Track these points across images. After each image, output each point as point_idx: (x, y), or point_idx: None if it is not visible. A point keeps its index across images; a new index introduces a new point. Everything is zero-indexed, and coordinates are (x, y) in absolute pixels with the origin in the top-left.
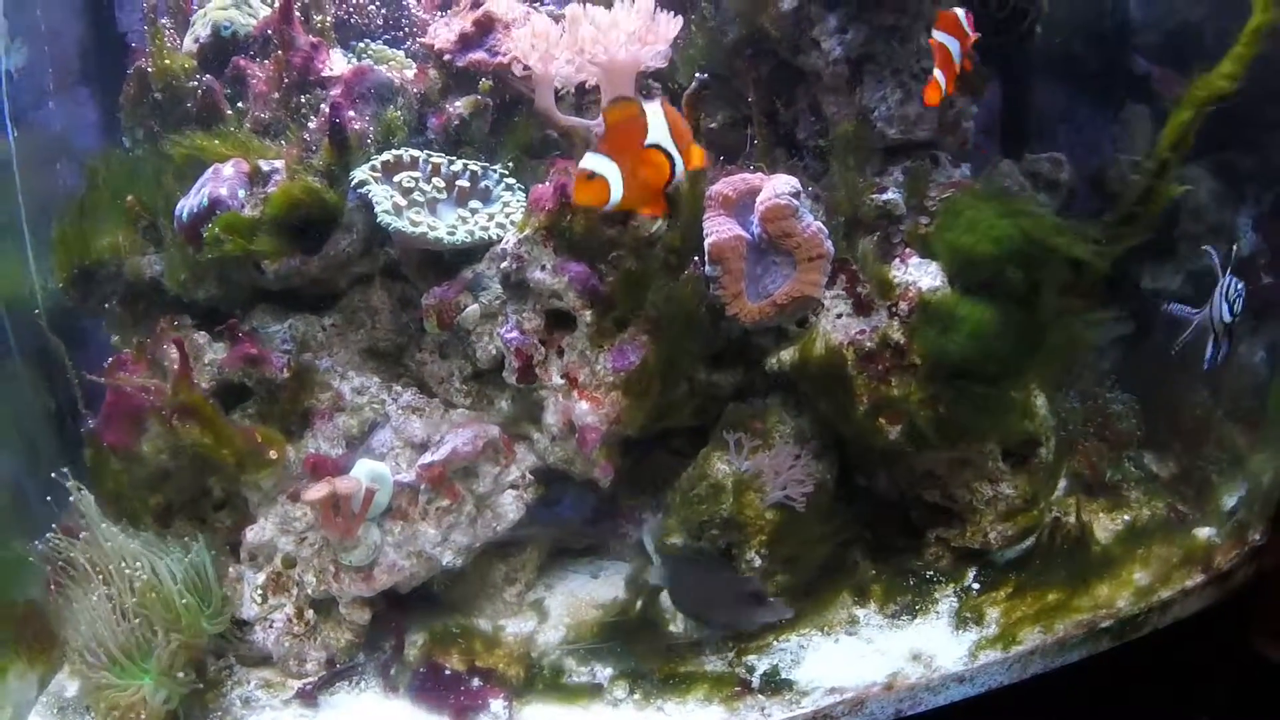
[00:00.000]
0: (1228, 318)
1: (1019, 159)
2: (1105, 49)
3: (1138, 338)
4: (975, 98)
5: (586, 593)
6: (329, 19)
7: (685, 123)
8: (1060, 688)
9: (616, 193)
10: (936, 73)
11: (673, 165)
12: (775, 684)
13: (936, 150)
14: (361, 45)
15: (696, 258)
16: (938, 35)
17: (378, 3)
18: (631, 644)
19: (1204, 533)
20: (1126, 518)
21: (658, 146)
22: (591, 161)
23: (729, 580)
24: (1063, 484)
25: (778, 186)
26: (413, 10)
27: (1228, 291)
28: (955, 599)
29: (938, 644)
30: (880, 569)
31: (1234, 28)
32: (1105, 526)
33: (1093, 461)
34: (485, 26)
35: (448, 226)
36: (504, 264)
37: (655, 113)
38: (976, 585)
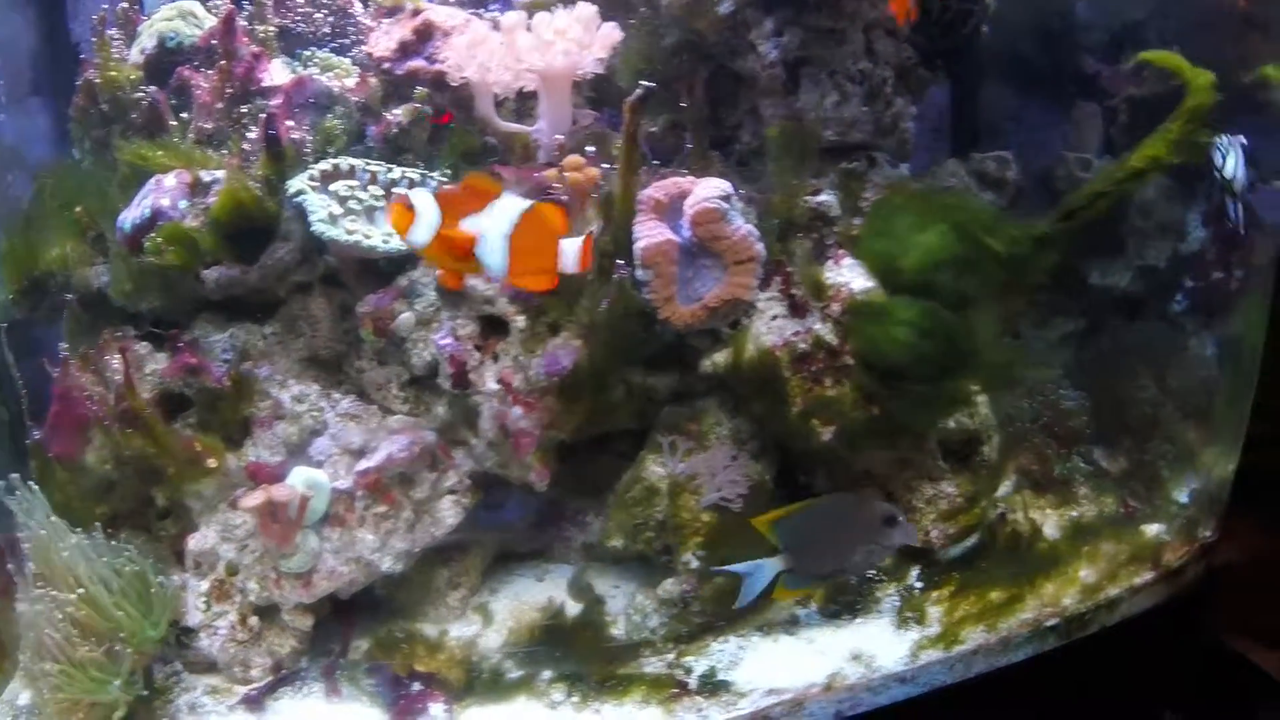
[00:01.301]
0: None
1: (967, 158)
2: (1054, 48)
3: (1088, 334)
4: (915, 99)
5: (530, 596)
6: (271, 29)
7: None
8: (1007, 687)
9: (418, 235)
10: None
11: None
12: (713, 685)
13: (875, 151)
14: (308, 53)
15: (620, 261)
16: None
17: (324, 11)
18: (571, 646)
19: (1153, 529)
20: (1075, 514)
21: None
22: (416, 196)
23: (857, 512)
24: (1011, 480)
25: (707, 190)
26: (359, 18)
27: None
28: (898, 598)
29: (879, 643)
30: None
31: (1177, 26)
32: (1054, 523)
33: (1042, 457)
34: (424, 34)
35: (383, 235)
36: (438, 271)
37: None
38: (919, 584)
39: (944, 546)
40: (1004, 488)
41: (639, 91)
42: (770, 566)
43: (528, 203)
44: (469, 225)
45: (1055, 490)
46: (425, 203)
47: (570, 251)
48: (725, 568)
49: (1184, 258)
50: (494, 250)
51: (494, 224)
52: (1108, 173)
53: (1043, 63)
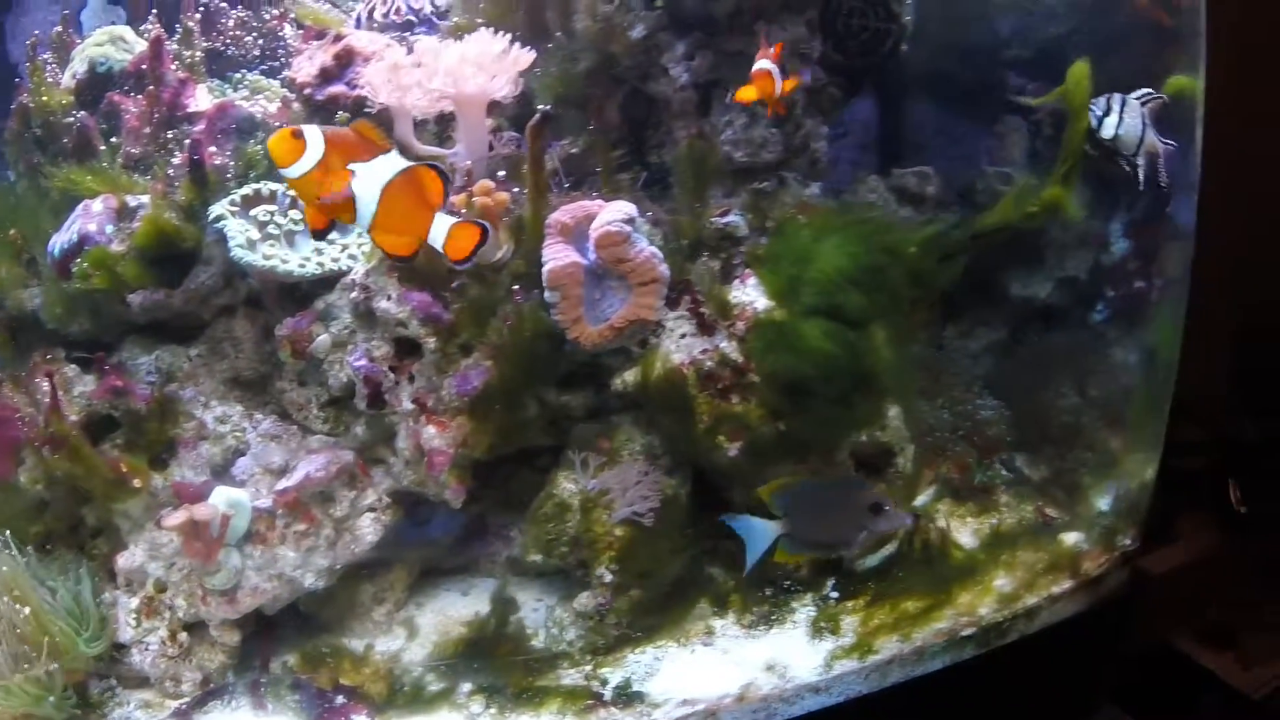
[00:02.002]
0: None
1: (888, 174)
2: (977, 65)
3: (1009, 344)
4: (826, 119)
5: (456, 610)
6: (198, 54)
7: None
8: (924, 696)
9: (300, 168)
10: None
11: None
12: (627, 696)
13: (786, 172)
14: (239, 76)
15: (517, 286)
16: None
17: (254, 34)
18: (491, 659)
19: (1072, 538)
20: (995, 521)
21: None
22: (308, 130)
23: (850, 496)
24: (931, 489)
25: (610, 214)
26: (289, 41)
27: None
28: (813, 608)
29: (793, 654)
30: (740, 579)
31: (1098, 40)
32: (974, 531)
33: (962, 465)
34: (345, 60)
35: (299, 259)
36: (353, 294)
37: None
38: (835, 594)
39: (859, 557)
40: (923, 496)
41: (537, 116)
42: (772, 529)
43: (408, 164)
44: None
45: (976, 498)
46: (315, 138)
47: (441, 227)
48: (734, 521)
49: (1106, 268)
50: (365, 202)
51: (373, 176)
52: (1016, 202)
53: (966, 78)
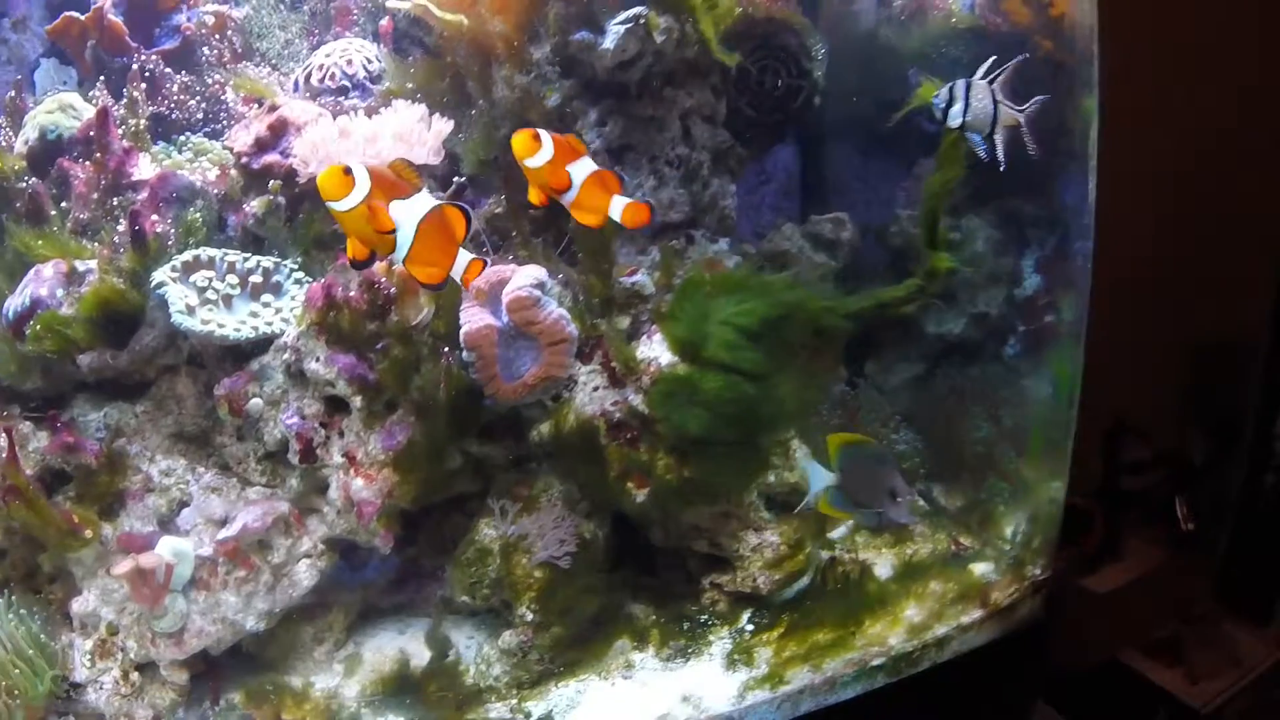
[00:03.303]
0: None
1: (805, 221)
2: (891, 112)
3: (926, 379)
4: (734, 177)
5: (392, 648)
6: (143, 123)
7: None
8: None
9: (349, 201)
10: None
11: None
12: None
13: (694, 229)
14: (182, 139)
15: (445, 348)
16: None
17: (198, 98)
18: (419, 695)
19: (980, 568)
20: (910, 551)
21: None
22: (357, 168)
23: (882, 475)
24: (848, 522)
25: (521, 279)
26: (231, 104)
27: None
28: (730, 641)
29: (709, 685)
30: (661, 614)
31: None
32: (890, 562)
33: None
34: (279, 130)
35: (235, 324)
36: (285, 356)
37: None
38: (750, 627)
39: (772, 592)
40: (841, 529)
41: (453, 187)
42: (827, 477)
43: (438, 201)
44: (391, 207)
45: (891, 530)
46: (363, 176)
47: (463, 260)
48: (806, 463)
49: (1019, 303)
50: (403, 235)
51: (410, 211)
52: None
53: (882, 125)
